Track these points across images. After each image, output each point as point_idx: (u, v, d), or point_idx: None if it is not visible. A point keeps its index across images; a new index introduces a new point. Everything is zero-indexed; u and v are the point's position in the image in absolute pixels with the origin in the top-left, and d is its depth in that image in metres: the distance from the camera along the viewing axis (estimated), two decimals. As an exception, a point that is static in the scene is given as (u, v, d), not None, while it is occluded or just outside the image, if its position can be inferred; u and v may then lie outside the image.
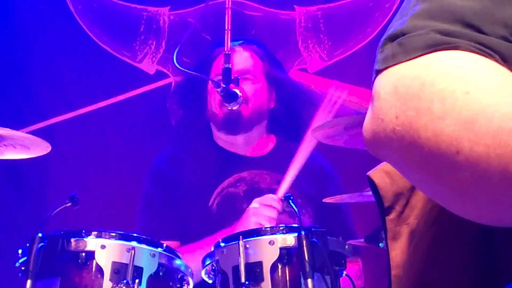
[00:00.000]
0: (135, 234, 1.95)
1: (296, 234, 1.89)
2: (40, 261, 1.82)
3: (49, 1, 3.37)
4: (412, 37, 0.76)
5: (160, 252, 1.92)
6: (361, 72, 3.15)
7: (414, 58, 0.75)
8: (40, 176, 3.17)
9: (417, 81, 0.73)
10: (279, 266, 1.89)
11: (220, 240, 1.99)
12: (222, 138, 2.75)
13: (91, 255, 1.85)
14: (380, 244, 2.03)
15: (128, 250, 1.86)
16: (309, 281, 1.81)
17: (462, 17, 0.76)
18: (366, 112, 0.80)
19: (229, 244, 1.95)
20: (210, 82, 2.68)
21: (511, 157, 0.66)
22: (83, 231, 1.88)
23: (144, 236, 1.95)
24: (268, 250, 1.90)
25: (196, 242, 2.42)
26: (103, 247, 1.85)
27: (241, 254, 1.88)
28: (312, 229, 1.94)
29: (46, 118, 3.22)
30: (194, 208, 2.61)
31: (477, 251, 0.84)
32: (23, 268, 1.84)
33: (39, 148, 2.22)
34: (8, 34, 3.30)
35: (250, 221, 2.31)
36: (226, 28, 2.49)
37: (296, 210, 1.97)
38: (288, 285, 1.88)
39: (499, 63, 0.73)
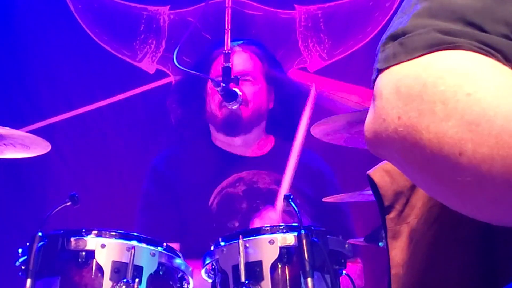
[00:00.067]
0: (135, 233, 1.95)
1: (296, 233, 1.89)
2: (40, 260, 1.82)
3: (49, 0, 3.36)
4: (413, 36, 0.76)
5: (160, 251, 1.92)
6: (361, 71, 3.15)
7: (415, 58, 0.75)
8: (40, 175, 3.17)
9: (418, 82, 0.73)
10: (279, 265, 1.89)
11: (220, 239, 1.99)
12: (220, 139, 2.75)
13: (91, 254, 1.84)
14: (380, 244, 2.03)
15: (128, 249, 1.86)
16: (309, 280, 1.81)
17: (463, 16, 0.75)
18: (364, 109, 0.80)
19: (229, 243, 1.95)
20: (209, 82, 2.68)
21: None
22: (83, 230, 1.88)
23: (144, 235, 1.95)
24: (268, 249, 1.90)
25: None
26: (103, 246, 1.85)
27: (241, 253, 1.88)
28: (312, 228, 1.94)
29: (46, 117, 3.22)
30: (193, 208, 2.61)
31: (477, 250, 0.84)
32: (23, 267, 1.84)
33: (39, 147, 2.22)
34: (8, 33, 3.30)
35: None
36: (226, 27, 2.49)
37: (296, 209, 1.97)
38: (288, 284, 1.88)
39: (501, 62, 0.73)
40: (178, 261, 1.97)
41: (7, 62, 3.27)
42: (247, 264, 1.88)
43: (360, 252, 2.56)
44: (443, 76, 0.72)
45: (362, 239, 2.16)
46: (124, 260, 1.84)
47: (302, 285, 1.84)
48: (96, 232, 1.89)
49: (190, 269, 2.01)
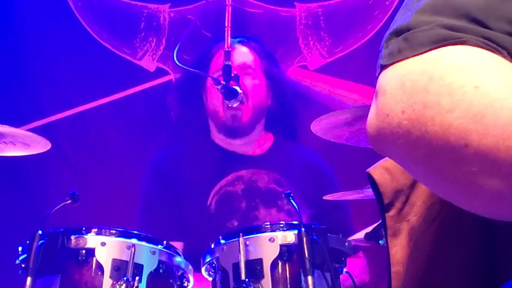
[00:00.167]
0: (135, 231, 1.94)
1: (296, 231, 1.88)
2: (40, 258, 1.82)
3: (49, -2, 3.37)
4: (418, 32, 0.76)
5: (160, 250, 1.92)
6: (362, 70, 3.15)
7: (421, 53, 0.75)
8: (40, 173, 3.17)
9: (425, 76, 0.73)
10: (279, 263, 1.89)
11: (221, 237, 1.99)
12: (220, 137, 2.75)
13: (91, 252, 1.84)
14: (380, 242, 2.03)
15: (128, 247, 1.86)
16: (309, 278, 1.81)
17: (466, 12, 0.75)
18: (364, 106, 0.80)
19: (229, 241, 1.94)
20: (209, 79, 2.68)
21: None
22: (83, 228, 1.88)
23: (144, 233, 1.95)
24: (268, 247, 1.89)
25: None
26: (103, 244, 1.85)
27: (241, 251, 1.88)
28: (312, 226, 1.94)
29: (46, 115, 3.22)
30: (192, 207, 2.61)
31: (477, 248, 0.84)
32: (23, 265, 1.84)
33: (39, 146, 2.22)
34: (8, 31, 3.29)
35: None
36: (226, 25, 2.49)
37: (296, 207, 1.97)
38: (288, 282, 1.88)
39: (507, 58, 0.73)
40: (178, 259, 1.97)
41: (7, 60, 3.27)
42: (248, 262, 1.88)
43: (363, 247, 2.56)
44: (450, 70, 0.72)
45: (362, 238, 2.16)
46: (124, 258, 1.84)
47: (302, 283, 1.83)
48: (96, 230, 1.88)
49: (190, 267, 2.00)
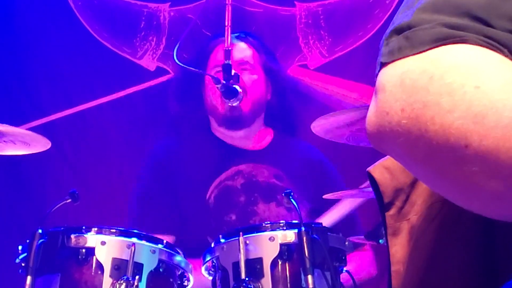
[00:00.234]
0: (135, 231, 1.95)
1: (296, 230, 1.88)
2: (40, 257, 1.82)
3: (49, -3, 3.36)
4: (419, 30, 0.76)
5: (160, 249, 1.92)
6: (362, 69, 3.15)
7: (422, 52, 0.74)
8: (40, 172, 3.16)
9: (425, 75, 0.72)
10: (279, 262, 1.89)
11: (220, 236, 1.99)
12: (220, 131, 2.74)
13: (91, 251, 1.84)
14: (380, 241, 2.03)
15: (129, 246, 1.86)
16: (309, 277, 1.81)
17: (468, 11, 0.75)
18: (364, 105, 0.79)
19: (229, 240, 1.94)
20: (208, 76, 2.67)
21: None
22: (83, 227, 1.88)
23: (144, 233, 1.95)
24: (268, 246, 1.89)
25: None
26: (103, 243, 1.85)
27: (241, 250, 1.88)
28: (312, 225, 1.94)
29: (46, 114, 3.22)
30: (191, 200, 2.60)
31: (478, 248, 0.84)
32: (23, 264, 1.84)
33: (39, 145, 2.22)
34: (8, 30, 3.29)
35: None
36: (226, 24, 2.48)
37: (297, 206, 1.96)
38: (288, 281, 1.87)
39: (508, 57, 0.73)
40: (178, 258, 1.97)
41: (7, 59, 3.27)
42: (248, 261, 1.88)
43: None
44: (450, 69, 0.72)
45: (363, 237, 2.16)
46: (124, 257, 1.84)
47: (303, 282, 1.83)
48: (96, 229, 1.88)
49: (190, 266, 2.00)
